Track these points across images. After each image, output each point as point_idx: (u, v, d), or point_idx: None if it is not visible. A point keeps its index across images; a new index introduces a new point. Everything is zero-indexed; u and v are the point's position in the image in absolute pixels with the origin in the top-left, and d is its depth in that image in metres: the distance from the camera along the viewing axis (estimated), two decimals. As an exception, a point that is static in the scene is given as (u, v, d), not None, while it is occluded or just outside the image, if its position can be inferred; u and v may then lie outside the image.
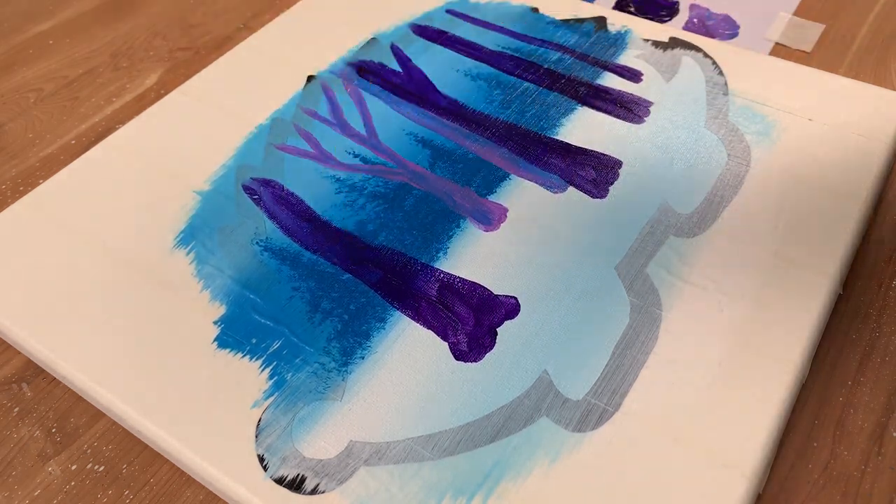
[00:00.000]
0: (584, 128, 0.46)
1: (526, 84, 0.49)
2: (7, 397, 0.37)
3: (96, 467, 0.34)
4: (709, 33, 0.54)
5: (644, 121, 0.46)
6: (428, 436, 0.33)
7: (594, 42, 0.52)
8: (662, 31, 0.52)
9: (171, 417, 0.34)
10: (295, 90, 0.50)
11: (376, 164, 0.45)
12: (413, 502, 0.31)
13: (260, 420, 0.34)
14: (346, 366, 0.36)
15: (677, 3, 0.57)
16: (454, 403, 0.34)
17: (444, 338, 0.36)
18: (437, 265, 0.39)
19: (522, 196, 0.42)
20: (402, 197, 0.43)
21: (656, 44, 0.51)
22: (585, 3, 0.55)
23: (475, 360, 0.35)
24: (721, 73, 0.49)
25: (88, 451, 0.35)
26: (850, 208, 0.40)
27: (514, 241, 0.40)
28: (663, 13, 0.56)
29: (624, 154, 0.44)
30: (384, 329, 0.37)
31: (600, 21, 0.53)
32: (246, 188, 0.44)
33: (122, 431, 0.36)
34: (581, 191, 0.42)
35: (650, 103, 0.47)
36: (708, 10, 0.56)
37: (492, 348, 0.36)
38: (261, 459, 0.32)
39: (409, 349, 0.36)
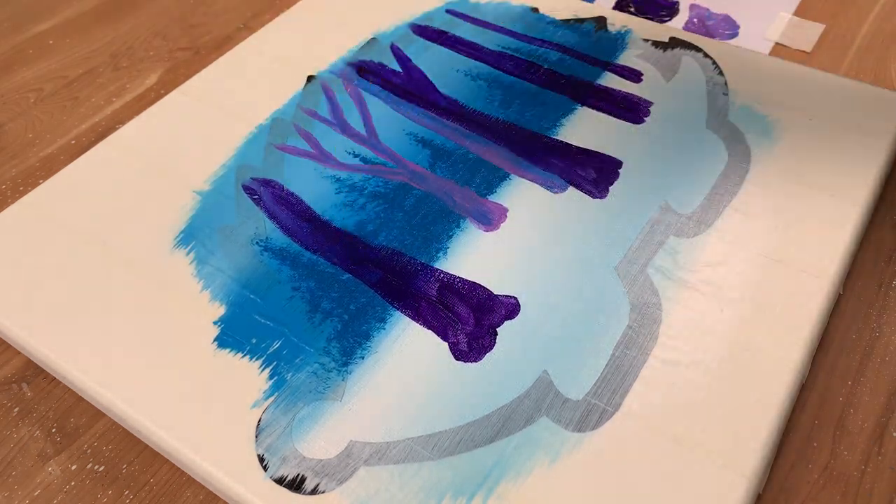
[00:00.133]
0: (584, 128, 0.46)
1: (526, 84, 0.49)
2: (7, 397, 0.37)
3: (96, 467, 0.34)
4: (709, 33, 0.54)
5: (644, 121, 0.46)
6: (428, 436, 0.33)
7: (594, 42, 0.52)
8: (662, 31, 0.52)
9: (171, 417, 0.34)
10: (295, 90, 0.50)
11: (376, 164, 0.45)
12: (413, 502, 0.31)
13: (260, 420, 0.34)
14: (346, 366, 0.36)
15: (677, 3, 0.57)
16: (454, 403, 0.34)
17: (444, 338, 0.36)
18: (437, 265, 0.39)
19: (522, 196, 0.42)
20: (402, 197, 0.43)
21: (656, 44, 0.51)
22: (585, 3, 0.55)
23: (475, 360, 0.35)
24: (721, 73, 0.49)
25: (88, 451, 0.35)
26: (849, 208, 0.40)
27: (514, 241, 0.40)
28: (663, 13, 0.56)
29: (624, 154, 0.44)
30: (384, 329, 0.37)
31: (600, 21, 0.53)
32: (246, 188, 0.44)
33: (122, 431, 0.36)
34: (581, 191, 0.42)
35: (650, 103, 0.47)
36: (708, 10, 0.56)
37: (492, 348, 0.36)
38: (261, 459, 0.32)
39: (409, 349, 0.36)
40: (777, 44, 0.53)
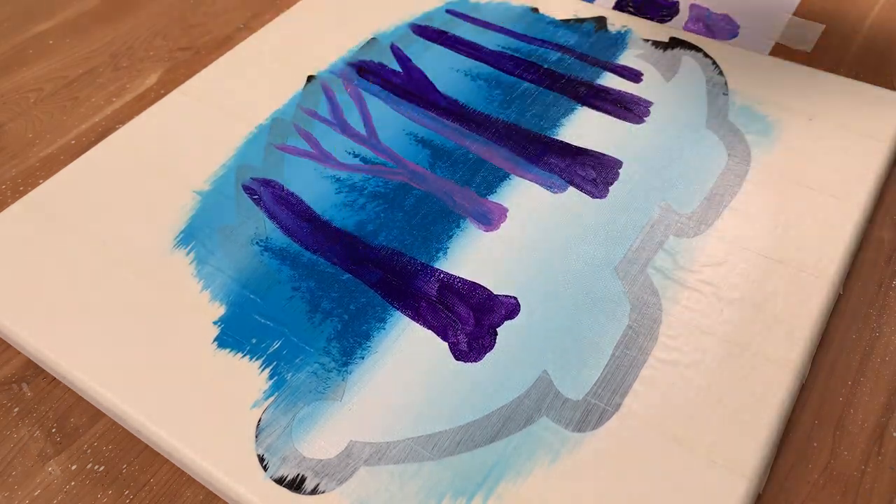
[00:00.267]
0: (584, 128, 0.46)
1: (526, 84, 0.49)
2: (7, 397, 0.37)
3: (96, 467, 0.34)
4: (709, 33, 0.54)
5: (644, 121, 0.46)
6: (428, 436, 0.33)
7: (594, 42, 0.52)
8: (662, 31, 0.52)
9: (171, 417, 0.34)
10: (295, 90, 0.50)
11: (376, 164, 0.45)
12: (413, 502, 0.31)
13: (260, 420, 0.34)
14: (346, 366, 0.36)
15: (677, 3, 0.57)
16: (454, 403, 0.34)
17: (444, 338, 0.36)
18: (437, 265, 0.39)
19: (522, 196, 0.42)
20: (402, 197, 0.43)
21: (656, 44, 0.51)
22: (585, 3, 0.55)
23: (475, 360, 0.35)
24: (721, 73, 0.49)
25: (88, 451, 0.35)
26: (849, 208, 0.40)
27: (514, 241, 0.40)
28: (663, 13, 0.56)
29: (624, 154, 0.44)
30: (384, 329, 0.37)
31: (600, 21, 0.53)
32: (246, 188, 0.44)
33: (122, 431, 0.36)
34: (581, 191, 0.42)
35: (650, 103, 0.47)
36: (708, 10, 0.56)
37: (492, 348, 0.36)
38: (261, 459, 0.32)
39: (409, 349, 0.36)
40: (777, 44, 0.53)
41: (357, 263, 0.40)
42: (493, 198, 0.42)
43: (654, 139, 0.45)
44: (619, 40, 0.52)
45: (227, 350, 0.36)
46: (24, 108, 0.52)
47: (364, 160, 0.45)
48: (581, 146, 0.45)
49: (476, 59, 0.51)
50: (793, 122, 0.45)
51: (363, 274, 0.39)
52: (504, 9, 0.55)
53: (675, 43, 0.51)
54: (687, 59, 0.50)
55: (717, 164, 0.43)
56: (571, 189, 0.43)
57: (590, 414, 0.33)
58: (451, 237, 0.41)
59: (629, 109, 0.47)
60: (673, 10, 0.56)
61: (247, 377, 0.35)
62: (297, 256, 0.40)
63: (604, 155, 0.44)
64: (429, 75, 0.50)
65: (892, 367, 0.36)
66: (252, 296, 0.38)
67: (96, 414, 0.36)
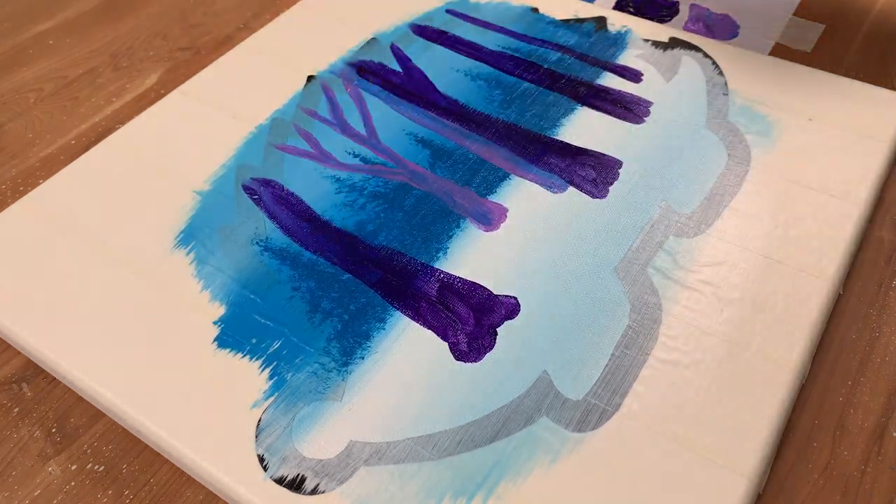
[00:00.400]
0: (584, 128, 0.46)
1: (526, 84, 0.49)
2: (7, 397, 0.37)
3: (96, 467, 0.34)
4: (709, 33, 0.54)
5: (644, 121, 0.46)
6: (428, 436, 0.33)
7: (594, 42, 0.52)
8: (662, 31, 0.52)
9: (171, 417, 0.34)
10: (295, 90, 0.50)
11: (376, 164, 0.45)
12: (413, 502, 0.31)
13: (260, 420, 0.34)
14: (346, 366, 0.36)
15: (677, 3, 0.57)
16: (454, 403, 0.34)
17: (444, 338, 0.36)
18: (437, 265, 0.39)
19: (522, 196, 0.42)
20: (402, 197, 0.43)
21: (656, 44, 0.51)
22: (585, 3, 0.55)
23: (475, 360, 0.35)
24: (721, 73, 0.49)
25: (88, 451, 0.35)
26: (849, 208, 0.40)
27: (514, 241, 0.40)
28: (663, 13, 0.56)
29: (624, 154, 0.44)
30: (384, 329, 0.37)
31: (600, 21, 0.53)
32: (246, 188, 0.44)
33: (122, 431, 0.36)
34: (581, 191, 0.42)
35: (650, 103, 0.47)
36: (708, 10, 0.56)
37: (492, 348, 0.36)
38: (261, 459, 0.32)
39: (409, 349, 0.36)
40: (777, 44, 0.53)
41: (357, 263, 0.40)
42: (493, 198, 0.42)
43: (654, 139, 0.45)
44: (619, 40, 0.52)
45: (227, 350, 0.36)
46: (24, 108, 0.52)
47: (364, 160, 0.45)
48: (581, 146, 0.45)
49: (476, 59, 0.51)
50: (793, 122, 0.45)
51: (363, 274, 0.39)
52: (504, 9, 0.55)
53: (675, 43, 0.51)
54: (687, 59, 0.50)
55: (717, 164, 0.43)
56: (571, 189, 0.43)
57: (590, 414, 0.33)
58: (451, 237, 0.41)
59: (629, 109, 0.47)
60: (673, 10, 0.56)
61: (247, 377, 0.35)
62: (297, 256, 0.40)
63: (604, 155, 0.44)
64: (429, 75, 0.50)
65: (892, 367, 0.36)
66: (252, 296, 0.38)
67: (96, 414, 0.36)
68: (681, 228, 0.40)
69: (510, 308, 0.37)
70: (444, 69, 0.50)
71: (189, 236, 0.41)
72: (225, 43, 0.56)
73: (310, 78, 0.50)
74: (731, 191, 0.42)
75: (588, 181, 0.43)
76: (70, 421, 0.36)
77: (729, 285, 0.38)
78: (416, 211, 0.42)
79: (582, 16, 0.54)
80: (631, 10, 0.56)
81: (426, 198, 0.43)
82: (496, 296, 0.38)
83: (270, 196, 0.43)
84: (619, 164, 0.44)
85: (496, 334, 0.36)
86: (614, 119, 0.46)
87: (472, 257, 0.40)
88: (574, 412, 0.33)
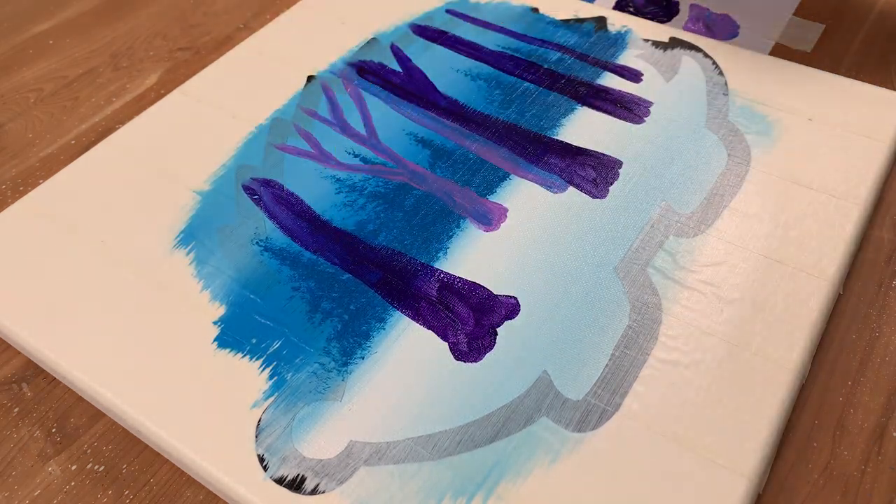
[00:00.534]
0: (584, 128, 0.46)
1: (526, 84, 0.49)
2: (7, 397, 0.37)
3: (96, 467, 0.34)
4: (709, 33, 0.54)
5: (644, 121, 0.46)
6: (428, 436, 0.33)
7: (594, 42, 0.52)
8: (662, 31, 0.52)
9: (171, 417, 0.34)
10: (295, 90, 0.50)
11: (376, 164, 0.45)
12: (413, 502, 0.31)
13: (260, 420, 0.34)
14: (346, 366, 0.36)
15: (677, 3, 0.57)
16: (454, 403, 0.34)
17: (444, 338, 0.36)
18: (437, 265, 0.39)
19: (522, 196, 0.42)
20: (402, 197, 0.43)
21: (656, 44, 0.51)
22: (585, 3, 0.55)
23: (475, 360, 0.35)
24: (721, 73, 0.49)
25: (88, 451, 0.35)
26: (849, 208, 0.40)
27: (514, 241, 0.40)
28: (663, 13, 0.56)
29: (624, 154, 0.44)
30: (384, 329, 0.37)
31: (600, 21, 0.53)
32: (246, 188, 0.44)
33: (122, 431, 0.36)
34: (581, 191, 0.42)
35: (650, 103, 0.47)
36: (708, 10, 0.56)
37: (492, 348, 0.36)
38: (261, 459, 0.32)
39: (409, 349, 0.36)
40: (777, 44, 0.53)
41: (357, 263, 0.40)
42: (493, 198, 0.42)
43: (654, 139, 0.45)
44: (619, 40, 0.52)
45: (227, 350, 0.36)
46: (24, 108, 0.52)
47: (364, 160, 0.45)
48: (581, 146, 0.45)
49: (476, 59, 0.51)
50: (793, 122, 0.45)
51: (363, 274, 0.39)
52: (504, 9, 0.55)
53: (675, 43, 0.51)
54: (687, 59, 0.50)
55: (717, 164, 0.43)
56: (571, 189, 0.43)
57: (590, 414, 0.33)
58: (451, 237, 0.41)
59: (629, 109, 0.47)
60: (673, 10, 0.56)
61: (247, 377, 0.35)
62: (297, 256, 0.40)
63: (604, 155, 0.44)
64: (429, 75, 0.50)
65: (892, 367, 0.36)
66: (252, 296, 0.38)
67: (96, 414, 0.36)
68: (681, 228, 0.40)
69: (510, 308, 0.37)
70: (444, 69, 0.50)
71: (189, 236, 0.41)
72: (225, 43, 0.56)
73: (310, 78, 0.50)
74: (731, 191, 0.42)
75: (588, 181, 0.43)
76: (70, 421, 0.36)
77: (729, 285, 0.38)
78: (416, 211, 0.42)
79: (582, 16, 0.54)
80: (631, 10, 0.56)
81: (426, 198, 0.43)
82: (496, 296, 0.38)
83: (270, 196, 0.43)
84: (619, 164, 0.44)
85: (496, 334, 0.36)
86: (614, 119, 0.46)
87: (472, 257, 0.40)
88: (574, 412, 0.33)
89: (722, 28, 0.55)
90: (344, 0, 0.56)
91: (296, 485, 0.32)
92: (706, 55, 0.50)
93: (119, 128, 0.48)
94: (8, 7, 0.61)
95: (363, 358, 0.36)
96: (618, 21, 0.53)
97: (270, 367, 0.36)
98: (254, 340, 0.37)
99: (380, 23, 0.54)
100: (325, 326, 0.37)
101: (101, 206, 0.43)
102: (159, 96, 0.52)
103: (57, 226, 0.42)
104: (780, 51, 0.52)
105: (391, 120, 0.47)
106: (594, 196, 0.42)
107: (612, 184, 0.43)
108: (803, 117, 0.45)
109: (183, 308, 0.38)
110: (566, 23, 0.53)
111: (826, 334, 0.37)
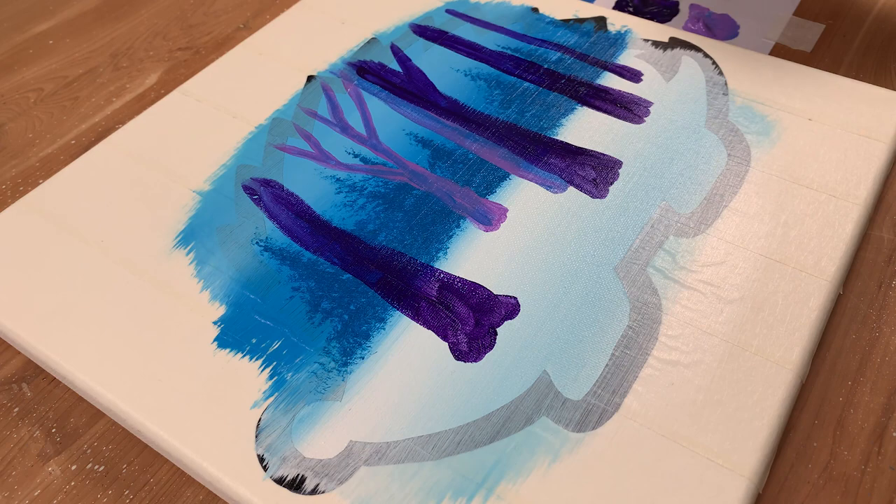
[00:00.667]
0: (584, 128, 0.46)
1: (526, 84, 0.49)
2: (7, 397, 0.37)
3: (96, 467, 0.34)
4: (709, 33, 0.54)
5: (644, 121, 0.46)
6: (428, 436, 0.33)
7: (594, 42, 0.52)
8: (662, 31, 0.52)
9: (171, 417, 0.34)
10: (295, 90, 0.50)
11: (376, 164, 0.45)
12: (413, 502, 0.31)
13: (260, 420, 0.34)
14: (346, 366, 0.36)
15: (677, 3, 0.57)
16: (454, 403, 0.34)
17: (444, 338, 0.36)
18: (437, 265, 0.39)
19: (522, 196, 0.42)
20: (402, 197, 0.43)
21: (656, 44, 0.51)
22: (585, 2, 0.55)
23: (475, 360, 0.35)
24: (721, 73, 0.49)
25: (88, 451, 0.35)
26: (849, 208, 0.40)
27: (514, 241, 0.40)
28: (663, 13, 0.56)
29: (624, 154, 0.44)
30: (384, 329, 0.37)
31: (600, 21, 0.53)
32: (246, 188, 0.44)
33: (122, 431, 0.36)
34: (581, 191, 0.42)
35: (650, 103, 0.47)
36: (708, 10, 0.56)
37: (492, 348, 0.36)
38: (261, 459, 0.32)
39: (409, 349, 0.36)
40: (777, 44, 0.53)
41: (357, 263, 0.40)
42: (493, 198, 0.42)
43: (654, 139, 0.45)
44: (619, 40, 0.52)
45: (227, 350, 0.36)
46: (24, 108, 0.52)
47: (364, 160, 0.45)
48: (581, 146, 0.45)
49: (476, 59, 0.51)
50: (793, 122, 0.45)
51: (363, 274, 0.39)
52: (504, 9, 0.55)
53: (675, 43, 0.51)
54: (687, 59, 0.50)
55: (716, 164, 0.43)
56: (571, 189, 0.43)
57: (590, 414, 0.33)
58: (451, 237, 0.41)
59: (629, 109, 0.47)
60: (673, 10, 0.56)
61: (247, 377, 0.35)
62: (297, 256, 0.40)
63: (604, 155, 0.44)
64: (429, 75, 0.50)
65: (892, 367, 0.36)
66: (252, 296, 0.38)
67: (96, 414, 0.36)
68: (681, 228, 0.40)
69: (510, 308, 0.37)
70: (444, 69, 0.50)
71: (189, 236, 0.41)
72: (225, 43, 0.56)
73: (310, 78, 0.50)
74: (731, 191, 0.42)
75: (588, 181, 0.43)
76: (70, 421, 0.36)
77: (729, 285, 0.38)
78: (416, 211, 0.42)
79: (582, 16, 0.54)
80: (631, 10, 0.56)
81: (426, 198, 0.43)
82: (496, 296, 0.38)
83: (270, 196, 0.43)
84: (619, 164, 0.44)
85: (496, 334, 0.36)
86: (614, 119, 0.46)
87: (472, 257, 0.40)
88: (574, 412, 0.33)
89: (722, 28, 0.55)
90: (344, 0, 0.56)
91: (296, 485, 0.32)
92: (706, 55, 0.50)
93: (119, 128, 0.48)
94: (8, 7, 0.61)
95: (363, 358, 0.36)
96: (618, 21, 0.53)
97: (270, 367, 0.36)
98: (254, 340, 0.37)
99: (380, 23, 0.54)
100: (325, 326, 0.37)
101: (101, 206, 0.43)
102: (159, 96, 0.52)
103: (57, 226, 0.42)
104: (780, 51, 0.52)
105: (391, 120, 0.47)
106: (594, 196, 0.42)
107: (612, 184, 0.43)
108: (803, 117, 0.45)
109: (183, 308, 0.38)
110: (566, 23, 0.53)
111: (826, 334, 0.37)
